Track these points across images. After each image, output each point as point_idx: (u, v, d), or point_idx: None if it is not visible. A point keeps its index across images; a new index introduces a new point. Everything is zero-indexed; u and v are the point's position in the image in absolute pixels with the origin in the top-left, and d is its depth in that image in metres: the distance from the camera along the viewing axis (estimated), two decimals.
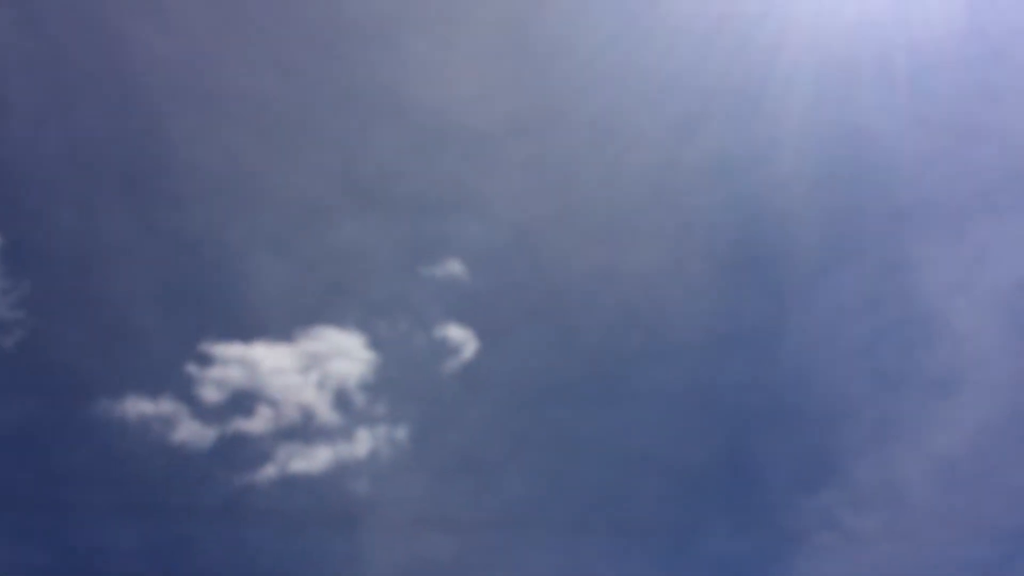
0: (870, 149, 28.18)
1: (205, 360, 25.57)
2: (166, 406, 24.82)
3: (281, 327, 25.95)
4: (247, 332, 25.73)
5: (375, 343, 26.55)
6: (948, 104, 28.19)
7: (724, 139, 28.60)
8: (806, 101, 28.18)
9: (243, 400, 25.67)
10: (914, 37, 28.04)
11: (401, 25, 27.53)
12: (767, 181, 28.16)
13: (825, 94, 28.25)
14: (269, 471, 25.38)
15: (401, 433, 26.06)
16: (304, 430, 25.52)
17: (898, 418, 26.90)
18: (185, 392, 25.09)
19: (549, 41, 28.12)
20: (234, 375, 25.67)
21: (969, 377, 26.80)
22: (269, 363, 25.96)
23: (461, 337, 27.28)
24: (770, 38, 28.39)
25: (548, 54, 28.09)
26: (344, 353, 26.44)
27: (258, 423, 25.67)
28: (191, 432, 25.22)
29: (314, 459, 25.59)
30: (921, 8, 28.05)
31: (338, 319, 26.50)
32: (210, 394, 25.38)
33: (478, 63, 28.17)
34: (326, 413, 25.87)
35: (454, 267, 27.53)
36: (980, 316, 27.05)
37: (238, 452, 25.16)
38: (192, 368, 25.46)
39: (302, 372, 26.12)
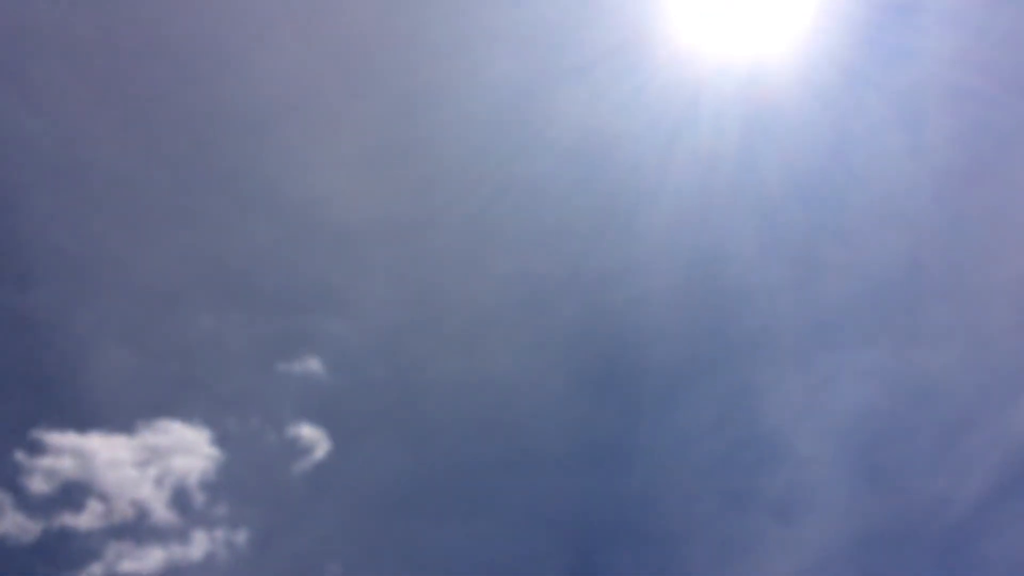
0: (724, 275, 29.41)
1: (35, 448, 24.28)
2: None
3: (122, 418, 24.91)
4: (84, 421, 24.60)
5: (221, 439, 25.73)
6: (800, 238, 29.79)
7: (587, 254, 29.35)
8: (667, 224, 29.32)
9: (73, 493, 24.38)
10: (769, 171, 29.60)
11: (280, 117, 27.61)
12: (626, 299, 29.00)
13: (685, 219, 29.45)
14: (95, 571, 24.00)
15: (241, 537, 25.09)
16: (137, 528, 24.33)
17: (739, 540, 27.42)
18: (10, 481, 23.68)
19: (426, 145, 28.63)
20: (65, 466, 24.42)
21: (808, 502, 27.69)
22: (105, 455, 24.81)
23: (313, 437, 26.73)
24: (634, 160, 29.55)
25: (424, 158, 28.56)
26: (187, 448, 25.49)
27: (88, 518, 24.36)
28: (14, 525, 23.74)
29: (145, 560, 24.37)
30: (777, 145, 29.82)
31: (185, 412, 25.61)
32: (38, 485, 24.02)
33: (355, 161, 28.41)
34: (162, 511, 24.75)
35: (312, 365, 27.12)
36: (820, 442, 28.14)
37: (63, 549, 23.74)
38: (20, 456, 24.11)
39: (140, 466, 25.03)
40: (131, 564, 23.98)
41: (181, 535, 24.36)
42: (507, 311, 28.74)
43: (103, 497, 24.35)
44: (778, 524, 27.52)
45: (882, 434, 28.15)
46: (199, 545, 24.57)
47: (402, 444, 27.60)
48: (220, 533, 24.79)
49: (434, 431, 27.85)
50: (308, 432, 26.63)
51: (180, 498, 24.87)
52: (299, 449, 26.52)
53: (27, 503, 23.77)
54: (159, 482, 24.78)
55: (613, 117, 29.65)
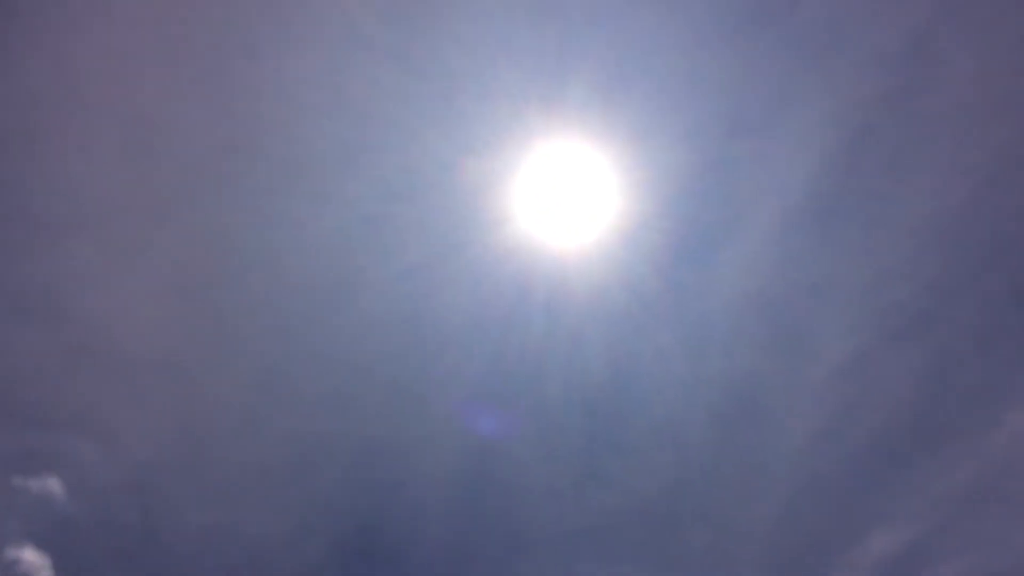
0: (501, 469, 29.88)
1: None
2: None
3: None
4: None
5: None
6: (581, 447, 30.70)
7: (368, 426, 29.52)
8: (455, 411, 29.86)
9: None
10: (564, 375, 30.85)
11: (78, 228, 27.56)
12: (399, 479, 29.14)
13: (473, 407, 30.08)
14: None
15: None
16: None
17: None
18: None
19: (230, 287, 28.88)
20: None
21: None
22: None
23: (37, 563, 25.02)
24: (438, 344, 30.40)
25: (225, 299, 28.76)
26: None
27: None
28: None
29: None
30: (576, 352, 31.26)
31: None
32: None
33: (150, 288, 28.36)
34: None
35: (52, 486, 25.82)
36: None
37: None
38: None
39: None
40: None
41: None
42: (276, 469, 28.29)
43: None
44: None
45: None
46: None
47: None
48: None
49: None
50: (32, 556, 24.97)
51: None
52: (17, 573, 24.74)
53: None
54: None
55: (425, 297, 30.65)
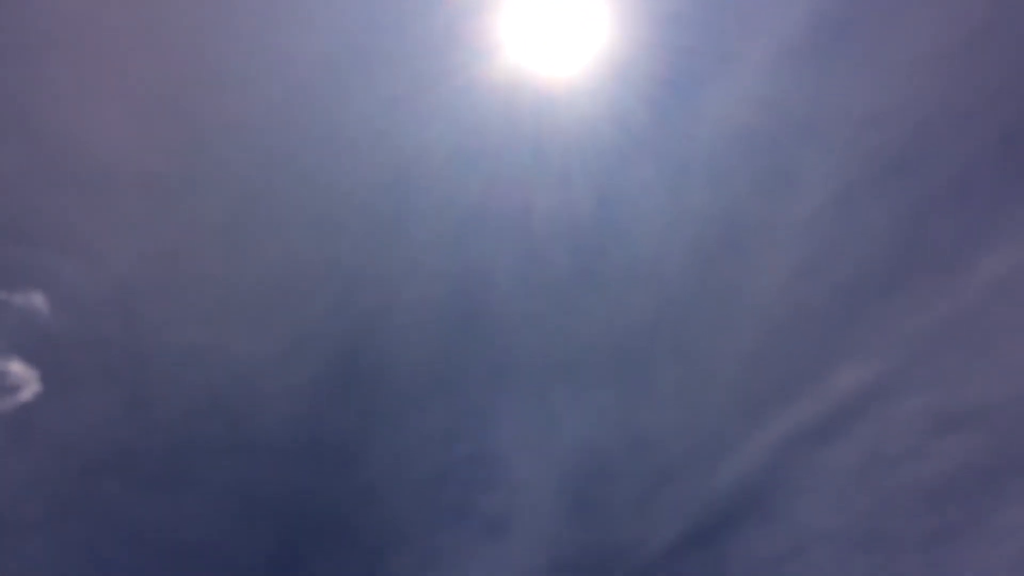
0: (485, 298, 30.29)
1: None
2: None
3: None
4: None
5: None
6: (561, 277, 31.06)
7: (355, 252, 29.59)
8: (439, 239, 30.01)
9: None
10: (547, 208, 30.85)
11: (54, 45, 26.52)
12: (384, 304, 29.47)
13: (458, 237, 30.23)
14: None
15: None
16: None
17: (448, 549, 27.87)
18: None
19: (214, 105, 28.14)
20: None
21: (518, 523, 28.49)
22: None
23: (24, 376, 25.40)
24: (424, 173, 30.13)
25: (209, 120, 28.06)
26: None
27: None
28: None
29: None
30: (558, 186, 31.15)
31: None
32: None
33: (131, 106, 27.67)
34: None
35: (36, 301, 25.91)
36: (539, 470, 29.09)
37: None
38: None
39: None
40: None
41: None
42: (260, 292, 28.50)
43: None
44: (486, 539, 28.13)
45: (597, 472, 29.40)
46: None
47: (119, 402, 26.72)
48: None
49: (157, 396, 27.10)
50: (19, 369, 25.32)
51: None
52: (5, 385, 25.16)
53: None
54: None
55: (410, 127, 30.11)
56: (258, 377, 28.09)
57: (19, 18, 26.04)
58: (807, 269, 30.81)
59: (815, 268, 30.84)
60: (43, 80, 26.41)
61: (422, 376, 29.32)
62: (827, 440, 30.15)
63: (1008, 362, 29.84)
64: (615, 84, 30.12)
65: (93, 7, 26.94)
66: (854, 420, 30.16)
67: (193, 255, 27.85)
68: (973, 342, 30.57)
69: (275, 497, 27.32)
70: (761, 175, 31.14)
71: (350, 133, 28.98)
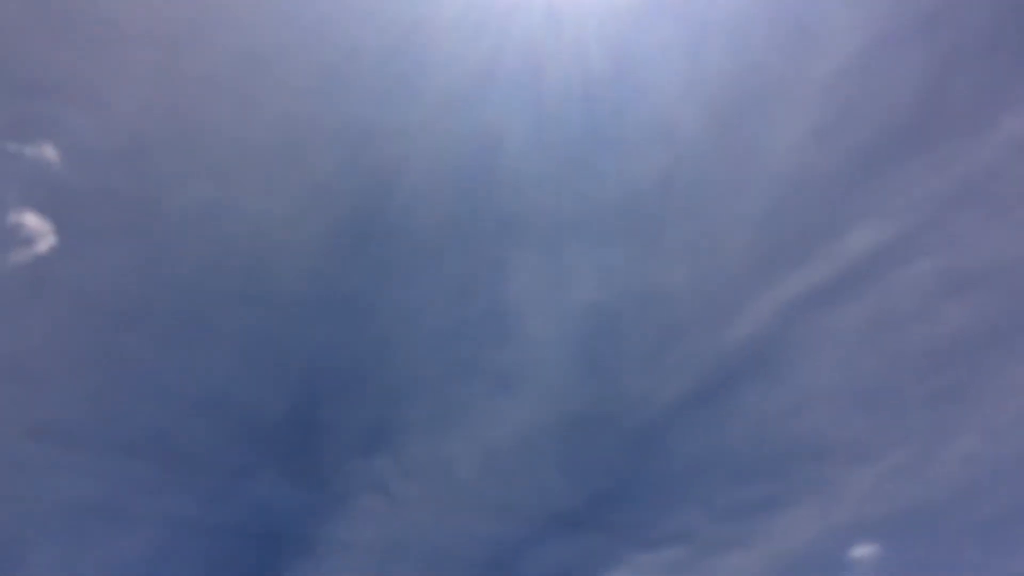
0: (496, 155, 30.03)
1: None
2: None
3: None
4: None
5: None
6: (573, 137, 30.69)
7: (365, 106, 29.22)
8: (451, 95, 29.54)
9: None
10: (558, 70, 30.24)
11: None
12: (395, 159, 29.23)
13: (469, 94, 29.77)
14: None
15: None
16: None
17: (457, 402, 28.50)
18: None
19: None
20: None
21: (527, 379, 29.01)
22: None
23: (38, 228, 25.54)
24: (432, 27, 29.47)
25: None
26: None
27: None
28: None
29: None
30: (569, 46, 30.44)
31: None
32: None
33: None
34: None
35: (47, 152, 25.82)
36: (549, 327, 29.45)
37: None
38: None
39: None
40: None
41: None
42: (270, 147, 28.32)
43: None
44: (496, 394, 28.71)
45: (606, 328, 29.74)
46: None
47: (134, 254, 26.92)
48: None
49: (170, 249, 27.33)
50: (32, 221, 25.43)
51: None
52: (20, 238, 25.29)
53: None
54: None
55: None
56: (270, 233, 28.18)
57: None
58: (826, 129, 30.35)
59: (834, 128, 30.38)
60: None
61: (434, 233, 29.42)
62: (837, 300, 30.28)
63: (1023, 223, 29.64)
64: None
65: None
66: (866, 281, 30.18)
67: (203, 111, 27.57)
68: (989, 203, 30.30)
69: (290, 348, 27.83)
70: (781, 32, 30.31)
71: None
